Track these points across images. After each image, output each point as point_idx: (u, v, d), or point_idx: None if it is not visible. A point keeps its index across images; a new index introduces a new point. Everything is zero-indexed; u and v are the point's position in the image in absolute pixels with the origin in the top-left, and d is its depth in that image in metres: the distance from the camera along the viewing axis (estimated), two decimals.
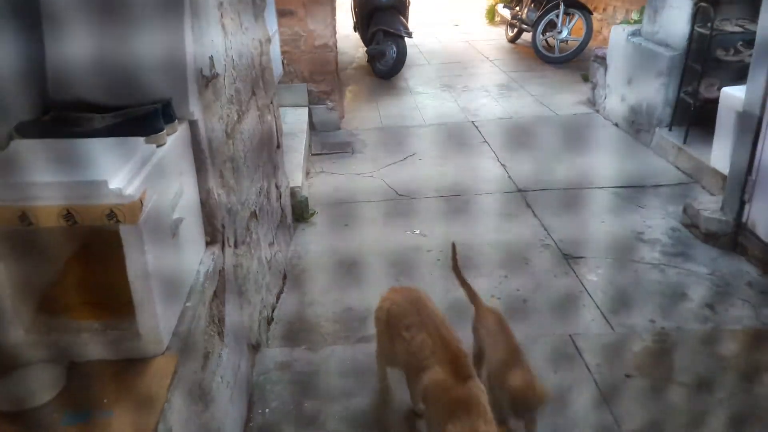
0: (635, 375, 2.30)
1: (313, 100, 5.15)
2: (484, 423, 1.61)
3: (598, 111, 5.46)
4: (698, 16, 4.07)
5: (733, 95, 3.38)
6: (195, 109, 1.71)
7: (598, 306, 2.73)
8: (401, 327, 1.90)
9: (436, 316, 1.90)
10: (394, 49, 6.65)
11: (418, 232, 3.47)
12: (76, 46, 1.59)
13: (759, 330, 2.55)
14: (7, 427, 1.23)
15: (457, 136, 5.05)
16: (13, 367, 1.34)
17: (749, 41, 3.53)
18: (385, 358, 2.11)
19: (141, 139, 1.45)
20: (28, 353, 1.36)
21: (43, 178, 1.26)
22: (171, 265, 1.48)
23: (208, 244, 1.85)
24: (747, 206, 3.05)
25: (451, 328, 1.87)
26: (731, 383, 2.23)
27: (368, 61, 7.03)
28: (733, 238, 3.14)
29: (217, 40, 2.02)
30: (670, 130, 4.38)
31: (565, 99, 5.90)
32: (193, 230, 1.72)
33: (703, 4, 4.00)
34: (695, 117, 4.09)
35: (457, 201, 3.86)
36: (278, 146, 3.20)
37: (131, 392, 1.33)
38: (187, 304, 1.59)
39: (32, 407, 1.27)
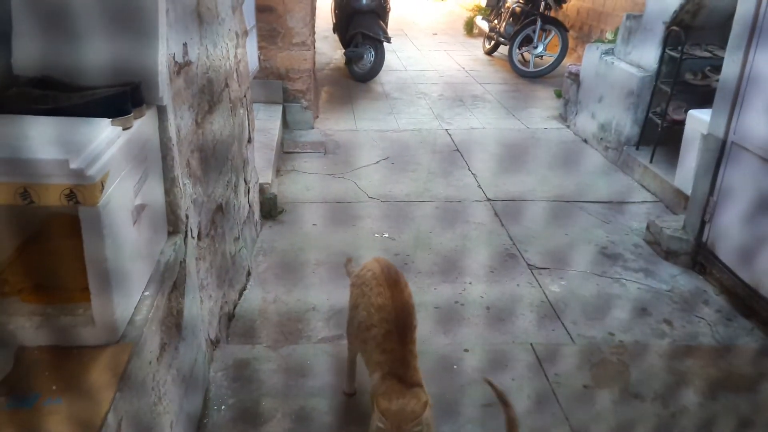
0: (592, 386, 2.33)
1: (288, 98, 5.12)
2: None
3: (568, 126, 5.54)
4: (670, 39, 4.18)
5: (699, 118, 3.48)
6: (164, 95, 1.68)
7: (559, 316, 2.76)
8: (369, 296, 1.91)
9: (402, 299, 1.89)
10: (373, 53, 6.65)
11: (387, 235, 3.46)
12: (44, 22, 1.54)
13: (714, 347, 2.60)
14: None
15: (430, 144, 5.07)
16: None
17: (717, 67, 3.63)
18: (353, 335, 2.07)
19: (107, 121, 1.42)
20: None
21: (2, 154, 1.22)
22: (130, 252, 1.44)
23: (170, 233, 1.81)
24: (708, 226, 3.13)
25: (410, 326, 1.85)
26: (686, 397, 2.27)
27: (346, 63, 7.02)
28: (693, 257, 3.22)
29: (192, 28, 1.99)
30: (637, 148, 4.47)
31: (538, 113, 5.98)
32: (155, 218, 1.68)
33: (675, 28, 4.10)
34: (662, 137, 4.18)
35: (426, 207, 3.87)
36: (249, 141, 3.17)
37: (82, 380, 1.29)
38: (145, 294, 1.55)
39: None
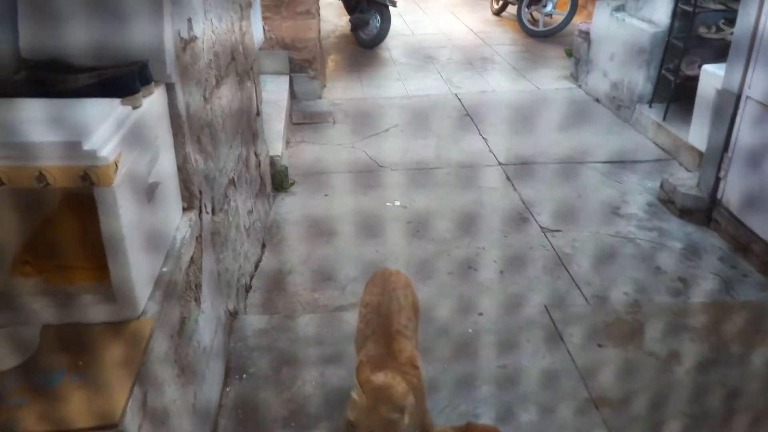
0: (607, 345, 2.35)
1: (295, 69, 5.08)
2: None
3: (580, 86, 5.46)
4: None
5: (713, 73, 3.41)
6: (172, 72, 1.68)
7: (573, 278, 2.77)
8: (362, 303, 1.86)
9: (396, 304, 1.77)
10: (378, 18, 6.56)
11: (398, 203, 3.47)
12: (50, 5, 1.54)
13: (728, 303, 2.61)
14: None
15: (440, 109, 5.03)
16: None
17: (731, 19, 3.55)
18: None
19: (117, 101, 1.43)
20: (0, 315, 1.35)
21: (16, 138, 1.24)
22: (147, 230, 1.47)
23: (184, 209, 1.84)
24: (722, 183, 3.10)
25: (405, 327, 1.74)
26: (700, 354, 2.29)
27: (351, 30, 6.93)
28: (708, 214, 3.20)
29: (195, 2, 1.98)
30: (650, 106, 4.41)
31: (548, 73, 5.90)
32: (169, 195, 1.70)
33: None
34: (675, 94, 4.12)
35: (438, 173, 3.86)
36: (258, 114, 3.16)
37: (106, 356, 1.33)
38: (164, 270, 1.58)
39: (3, 369, 1.26)
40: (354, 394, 1.45)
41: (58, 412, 1.20)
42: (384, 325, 1.71)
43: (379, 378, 1.48)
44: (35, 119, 1.33)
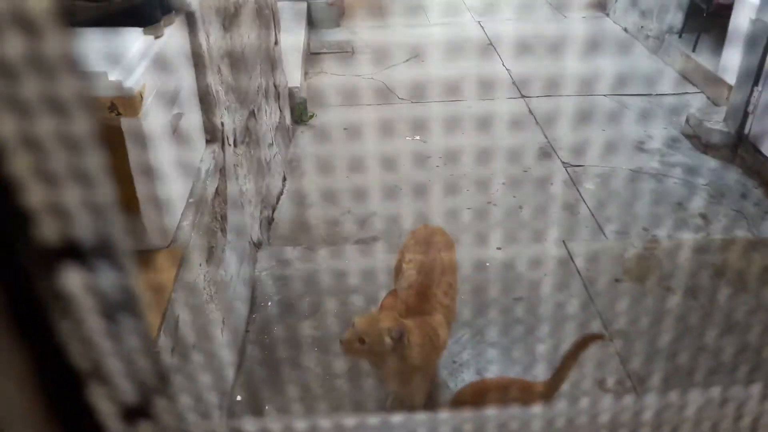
0: (624, 279, 2.38)
1: None
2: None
3: (608, 15, 5.27)
4: None
5: (748, 1, 3.26)
6: (192, 1, 1.65)
7: (593, 213, 2.77)
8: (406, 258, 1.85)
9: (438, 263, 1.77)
10: None
11: (418, 138, 3.44)
12: None
13: (749, 240, 2.60)
14: None
15: (462, 38, 4.90)
16: None
17: None
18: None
19: (138, 30, 1.42)
20: None
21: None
22: (173, 160, 1.48)
23: (208, 141, 1.85)
24: (750, 118, 3.03)
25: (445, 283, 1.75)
26: (718, 291, 2.31)
27: None
28: (733, 149, 3.14)
29: None
30: (680, 37, 4.25)
31: (575, 2, 5.67)
32: (193, 127, 1.71)
33: None
34: (707, 24, 3.96)
35: (459, 106, 3.81)
36: (276, 42, 3.11)
37: (138, 283, 1.37)
38: (190, 200, 1.61)
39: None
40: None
41: None
42: (424, 284, 1.70)
43: (372, 315, 1.55)
44: None
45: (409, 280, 1.73)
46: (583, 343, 1.53)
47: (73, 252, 0.35)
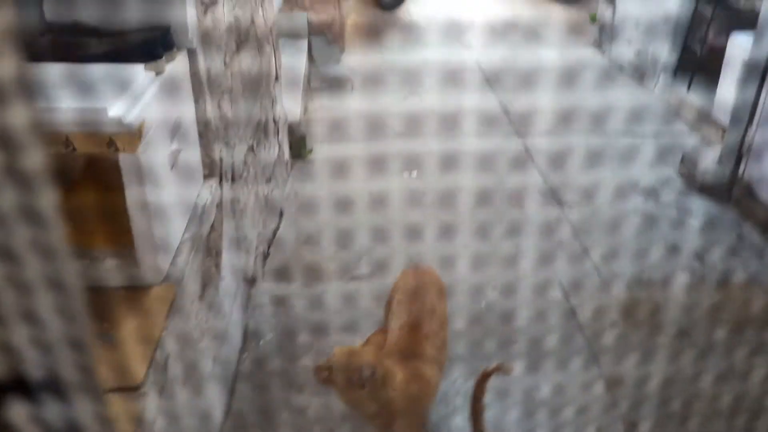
0: (619, 320, 2.36)
1: (313, 31, 5.01)
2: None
3: (603, 54, 5.35)
4: None
5: (741, 43, 3.32)
6: (194, 37, 1.67)
7: (588, 254, 2.77)
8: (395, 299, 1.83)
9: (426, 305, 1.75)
10: None
11: (415, 174, 3.46)
12: None
13: (745, 283, 2.60)
14: None
15: (460, 75, 4.96)
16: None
17: None
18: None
19: (140, 67, 1.43)
20: None
21: (41, 103, 1.24)
22: (170, 196, 1.48)
23: (205, 177, 1.85)
24: (744, 159, 3.05)
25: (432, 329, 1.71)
26: (714, 333, 2.29)
27: None
28: (728, 190, 3.15)
29: None
30: (674, 76, 4.31)
31: (572, 40, 5.78)
32: (191, 162, 1.71)
33: None
34: (701, 65, 4.02)
35: (457, 142, 3.83)
36: (277, 78, 3.14)
37: (130, 319, 1.36)
38: (186, 236, 1.60)
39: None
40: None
41: None
42: (414, 325, 1.67)
43: (379, 354, 1.53)
44: (60, 84, 1.34)
45: (399, 321, 1.70)
46: (482, 381, 1.54)
47: (20, 386, 0.34)
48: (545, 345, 2.21)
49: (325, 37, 5.06)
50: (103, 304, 1.39)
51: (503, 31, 6.11)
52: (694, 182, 3.29)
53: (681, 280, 2.60)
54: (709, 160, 3.27)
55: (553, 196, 3.22)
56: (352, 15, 6.55)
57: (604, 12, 5.34)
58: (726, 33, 3.75)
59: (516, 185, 3.33)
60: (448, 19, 6.49)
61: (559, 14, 6.70)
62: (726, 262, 2.72)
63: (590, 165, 3.55)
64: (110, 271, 1.43)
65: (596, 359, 2.16)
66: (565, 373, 2.11)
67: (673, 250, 2.80)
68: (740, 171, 3.08)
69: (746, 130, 3.01)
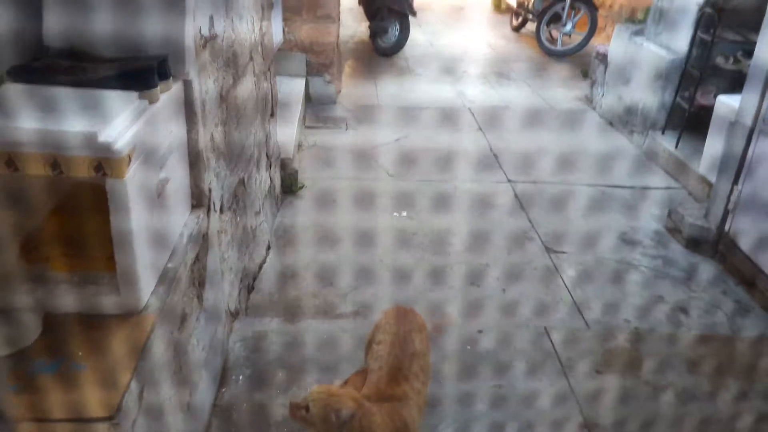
0: (605, 371, 2.34)
1: (311, 72, 5.10)
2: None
3: (594, 108, 5.46)
4: (702, 22, 4.07)
5: (728, 104, 3.41)
6: (191, 69, 1.69)
7: (575, 301, 2.76)
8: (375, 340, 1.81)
9: (408, 346, 1.73)
10: (398, 26, 6.59)
11: (405, 214, 3.47)
12: None
13: (730, 338, 2.59)
14: None
15: (452, 121, 5.04)
16: None
17: (749, 51, 3.54)
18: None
19: (134, 94, 1.43)
20: (2, 301, 1.35)
21: (33, 124, 1.24)
22: (155, 224, 1.47)
23: (193, 207, 1.84)
24: (730, 216, 3.09)
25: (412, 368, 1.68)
26: (699, 387, 2.27)
27: (370, 36, 6.95)
28: (714, 246, 3.18)
29: (218, 1, 1.99)
30: (663, 133, 4.40)
31: (563, 93, 5.90)
32: (179, 191, 1.71)
33: (708, 10, 4.00)
34: (689, 122, 4.11)
35: (446, 186, 3.86)
36: (272, 115, 3.18)
37: (106, 347, 1.33)
38: (169, 265, 1.58)
39: (3, 354, 1.27)
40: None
41: (53, 401, 1.20)
42: (394, 366, 1.65)
43: (359, 397, 1.50)
44: (53, 107, 1.34)
45: (379, 361, 1.68)
46: None
47: None
48: (526, 390, 2.19)
49: (322, 78, 5.14)
50: (79, 331, 1.36)
51: (497, 81, 6.24)
52: (680, 236, 3.31)
53: (666, 331, 2.59)
54: (696, 215, 3.31)
55: (541, 243, 3.23)
56: (350, 58, 6.69)
57: (595, 68, 5.48)
58: (714, 93, 3.85)
59: (504, 227, 3.34)
60: (443, 66, 6.63)
61: (551, 67, 6.86)
62: (711, 316, 2.72)
63: (578, 215, 3.58)
64: (90, 297, 1.41)
65: (578, 403, 2.13)
66: (547, 417, 2.07)
67: (658, 300, 2.80)
68: (726, 227, 3.11)
69: (732, 187, 3.06)
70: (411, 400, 1.61)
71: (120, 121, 1.31)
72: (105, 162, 1.24)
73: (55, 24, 1.58)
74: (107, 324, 1.39)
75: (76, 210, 1.53)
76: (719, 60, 4.06)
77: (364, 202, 3.57)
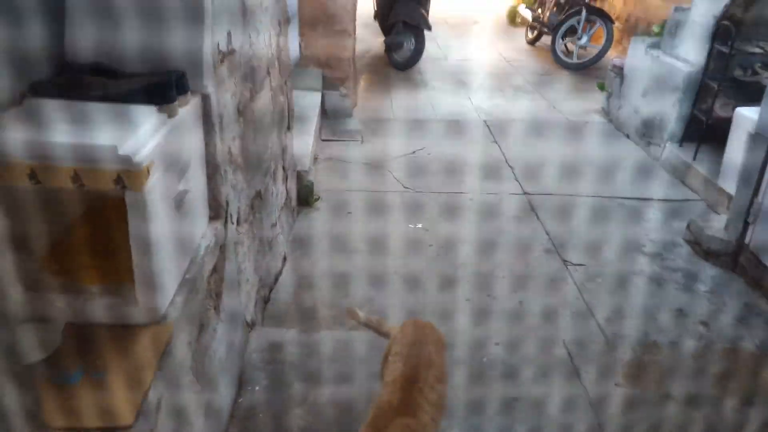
0: (624, 385, 2.31)
1: (327, 86, 5.14)
2: None
3: (611, 121, 5.44)
4: (719, 34, 4.05)
5: (747, 116, 3.38)
6: (209, 83, 1.72)
7: (593, 314, 2.74)
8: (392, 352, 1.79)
9: (424, 358, 1.71)
10: (413, 41, 6.62)
11: (420, 226, 3.47)
12: (96, 10, 1.59)
13: (751, 352, 2.55)
14: None
15: (468, 134, 5.04)
16: (9, 323, 1.36)
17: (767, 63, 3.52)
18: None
19: (153, 108, 1.46)
20: (26, 310, 1.38)
21: (54, 138, 1.27)
22: (173, 236, 1.49)
23: (211, 218, 1.87)
24: (751, 228, 3.05)
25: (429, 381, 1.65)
26: (719, 401, 2.23)
27: (386, 51, 7.00)
28: (734, 258, 3.14)
29: (236, 16, 2.03)
30: (680, 145, 4.36)
31: (579, 106, 5.88)
32: (197, 204, 1.73)
33: (725, 22, 3.98)
34: (707, 135, 4.07)
35: (462, 199, 3.86)
36: (289, 128, 3.21)
37: (125, 357, 1.34)
38: (186, 276, 1.60)
39: (26, 363, 1.29)
40: None
41: (74, 409, 1.22)
42: (409, 379, 1.63)
43: None
44: (74, 121, 1.37)
45: (393, 374, 1.67)
46: None
47: None
48: (544, 404, 2.17)
49: (338, 92, 5.19)
50: (99, 341, 1.38)
51: (512, 94, 6.24)
52: (699, 249, 3.28)
53: (686, 344, 2.55)
54: (716, 227, 3.27)
55: (558, 256, 3.21)
56: (366, 73, 6.74)
57: (612, 80, 5.46)
58: (732, 105, 3.81)
59: (520, 239, 3.33)
60: (458, 80, 6.66)
61: (567, 79, 6.85)
62: (732, 329, 2.68)
63: (595, 227, 3.56)
64: (107, 307, 1.43)
65: (597, 417, 2.11)
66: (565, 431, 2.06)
67: (678, 314, 2.77)
68: (747, 239, 3.07)
69: (753, 199, 3.02)
70: (426, 414, 1.59)
71: (139, 135, 1.33)
72: (125, 174, 1.27)
73: (76, 40, 1.62)
74: (127, 334, 1.40)
75: (98, 221, 1.56)
76: (737, 72, 4.03)
77: (380, 214, 3.58)
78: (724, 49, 3.98)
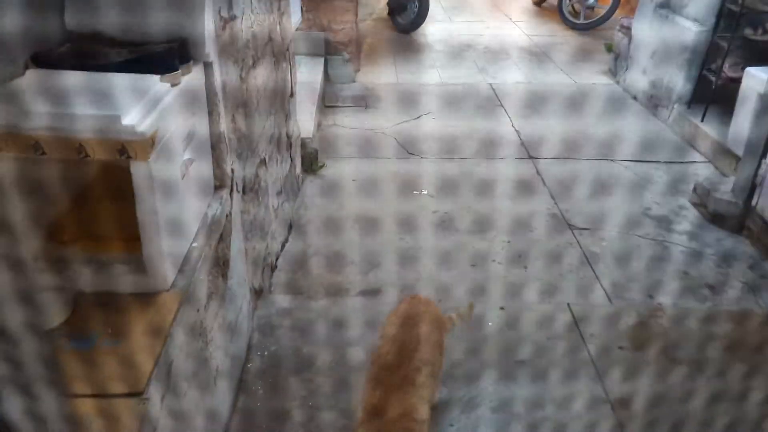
0: (628, 347, 2.34)
1: (330, 51, 5.08)
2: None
3: (618, 82, 5.37)
4: None
5: (757, 76, 3.32)
6: (211, 51, 1.70)
7: (598, 277, 2.75)
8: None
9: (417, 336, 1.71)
10: (416, 3, 6.51)
11: (425, 192, 3.47)
12: None
13: (756, 313, 2.57)
14: (15, 350, 1.27)
15: (473, 98, 4.99)
16: (20, 292, 1.38)
17: None
18: None
19: (156, 77, 1.45)
20: (35, 280, 1.40)
21: (58, 109, 1.27)
22: (179, 205, 1.50)
23: (216, 187, 1.87)
24: (758, 190, 3.03)
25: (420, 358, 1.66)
26: (724, 363, 2.26)
27: (389, 14, 6.89)
28: (741, 220, 3.13)
29: None
30: (688, 107, 4.31)
31: (586, 67, 5.80)
32: (202, 173, 1.73)
33: None
34: (716, 96, 4.02)
35: (467, 163, 3.85)
36: (291, 95, 3.18)
37: (136, 325, 1.37)
38: (194, 245, 1.61)
39: (39, 331, 1.31)
40: None
41: (88, 375, 1.24)
42: (395, 365, 1.62)
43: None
44: (77, 91, 1.36)
45: (385, 346, 1.68)
46: None
47: None
48: (549, 367, 2.20)
49: (341, 57, 5.12)
50: (109, 309, 1.41)
51: (518, 56, 6.15)
52: (706, 211, 3.27)
53: (692, 307, 2.57)
54: (723, 190, 3.25)
55: (563, 220, 3.21)
56: (369, 37, 6.64)
57: (619, 41, 5.37)
58: (742, 65, 3.75)
59: (526, 203, 3.33)
60: (462, 43, 6.56)
61: (574, 41, 6.74)
62: (738, 292, 2.69)
63: (601, 191, 3.55)
64: (118, 276, 1.45)
65: (600, 379, 2.14)
66: (570, 392, 2.09)
67: (684, 277, 2.78)
68: (754, 202, 3.05)
69: (760, 162, 3.00)
70: (420, 388, 1.60)
71: (143, 104, 1.33)
72: (129, 145, 1.27)
73: (77, 10, 1.60)
74: (137, 302, 1.42)
75: (105, 191, 1.57)
76: (747, 31, 3.94)
77: (385, 181, 3.58)
78: (734, 8, 3.89)
